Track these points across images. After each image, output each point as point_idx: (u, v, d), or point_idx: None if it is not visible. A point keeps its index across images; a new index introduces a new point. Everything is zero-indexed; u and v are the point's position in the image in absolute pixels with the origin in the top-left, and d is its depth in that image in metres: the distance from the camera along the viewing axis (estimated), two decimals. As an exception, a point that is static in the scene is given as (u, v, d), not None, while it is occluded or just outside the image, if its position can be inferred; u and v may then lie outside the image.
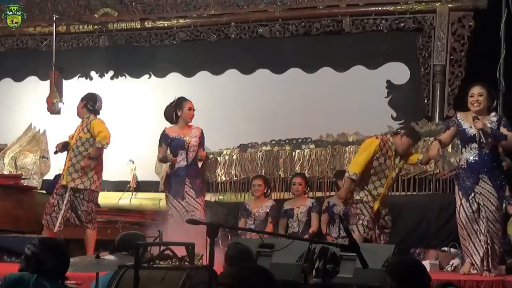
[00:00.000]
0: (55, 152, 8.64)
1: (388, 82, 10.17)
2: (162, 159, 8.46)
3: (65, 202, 8.23)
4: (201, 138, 8.24)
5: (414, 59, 9.96)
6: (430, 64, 9.79)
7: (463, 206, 7.06)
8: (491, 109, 7.20)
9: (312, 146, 9.82)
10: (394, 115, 10.10)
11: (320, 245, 3.94)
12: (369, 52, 10.24)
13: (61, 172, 8.51)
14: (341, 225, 8.58)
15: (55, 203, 8.26)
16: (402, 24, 9.97)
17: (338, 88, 10.27)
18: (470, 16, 9.68)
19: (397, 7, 9.96)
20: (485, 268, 6.98)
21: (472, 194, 7.04)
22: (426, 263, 7.23)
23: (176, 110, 8.20)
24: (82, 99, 8.52)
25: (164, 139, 8.25)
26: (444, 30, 9.70)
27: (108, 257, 4.95)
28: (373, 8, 10.05)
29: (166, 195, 8.34)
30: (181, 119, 8.20)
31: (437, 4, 9.82)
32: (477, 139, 7.02)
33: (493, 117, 7.14)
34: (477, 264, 7.03)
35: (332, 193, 9.18)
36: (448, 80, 9.66)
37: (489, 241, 6.99)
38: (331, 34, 10.30)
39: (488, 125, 7.02)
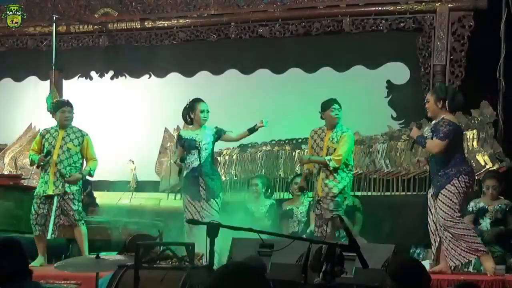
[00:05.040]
0: (38, 166, 8.44)
1: (388, 82, 10.17)
2: (176, 163, 8.41)
3: (54, 208, 8.22)
4: (218, 132, 8.22)
5: (414, 59, 9.95)
6: (430, 64, 9.78)
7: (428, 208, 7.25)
8: (450, 109, 7.14)
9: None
10: (394, 115, 10.11)
11: (326, 246, 3.93)
12: (369, 52, 10.24)
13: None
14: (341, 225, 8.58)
15: (45, 212, 8.26)
16: (402, 24, 9.96)
17: (338, 88, 10.25)
18: (470, 16, 9.67)
19: (397, 7, 9.95)
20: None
21: (429, 195, 7.22)
22: (426, 263, 7.24)
23: (189, 113, 8.21)
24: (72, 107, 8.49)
25: (179, 141, 8.33)
26: (444, 30, 9.70)
27: (118, 257, 4.96)
28: (373, 8, 10.04)
29: (182, 196, 8.40)
30: (194, 121, 8.22)
31: (437, 4, 9.81)
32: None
33: (437, 120, 7.16)
34: (434, 263, 7.22)
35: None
36: (448, 80, 9.64)
37: (449, 238, 7.02)
38: (331, 34, 10.29)
39: (426, 128, 7.19)
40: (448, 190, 7.02)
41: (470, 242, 6.99)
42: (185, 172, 8.17)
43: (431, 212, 7.17)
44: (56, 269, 5.49)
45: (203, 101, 8.24)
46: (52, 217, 8.22)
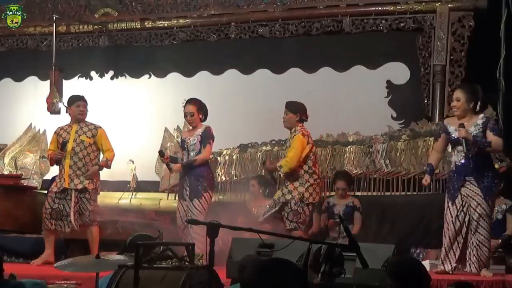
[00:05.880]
0: (57, 163, 8.50)
1: (388, 82, 10.16)
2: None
3: (72, 204, 8.24)
4: (202, 135, 8.25)
5: (414, 59, 9.95)
6: (430, 64, 9.79)
7: (449, 209, 7.11)
8: (478, 110, 7.17)
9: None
10: (394, 115, 10.10)
11: (325, 246, 3.93)
12: (369, 52, 10.23)
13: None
14: (341, 225, 8.58)
15: (61, 208, 8.28)
16: (402, 24, 9.96)
17: (338, 88, 10.26)
18: (470, 16, 9.67)
19: (397, 7, 9.95)
20: (472, 270, 7.05)
21: (459, 197, 7.08)
22: (426, 263, 7.23)
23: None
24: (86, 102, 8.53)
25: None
26: (444, 30, 9.70)
27: (117, 257, 4.96)
28: (373, 8, 10.04)
29: None
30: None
31: (437, 4, 9.81)
32: (461, 142, 7.05)
33: (479, 119, 7.12)
34: (451, 266, 7.10)
35: (332, 193, 9.19)
36: (448, 80, 9.65)
37: (475, 243, 7.00)
38: (331, 34, 10.30)
39: (472, 128, 7.03)
40: (494, 192, 7.15)
41: (488, 251, 7.08)
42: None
43: (459, 211, 7.09)
44: (56, 269, 5.49)
45: (188, 102, 8.35)
46: (72, 213, 8.23)
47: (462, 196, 7.08)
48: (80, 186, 8.25)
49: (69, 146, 8.29)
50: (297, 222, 8.02)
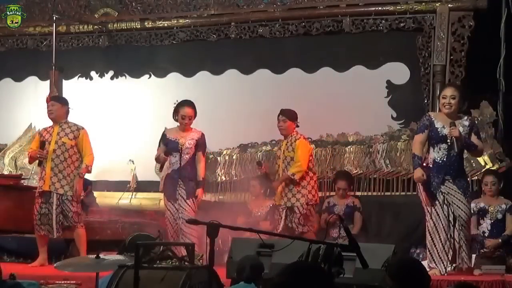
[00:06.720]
0: (39, 163, 8.47)
1: (388, 82, 10.16)
2: (156, 159, 8.57)
3: (54, 207, 8.25)
4: (199, 141, 8.31)
5: (414, 59, 9.95)
6: (430, 64, 9.79)
7: (435, 208, 7.11)
8: (462, 110, 7.27)
9: (312, 146, 9.83)
10: (394, 115, 10.10)
11: (324, 246, 3.93)
12: (369, 52, 10.23)
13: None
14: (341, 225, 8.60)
15: (46, 212, 8.28)
16: (402, 24, 9.96)
17: (338, 88, 10.26)
18: (470, 16, 9.67)
19: (397, 7, 9.95)
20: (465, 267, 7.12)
21: (441, 196, 7.09)
22: (426, 263, 7.23)
23: (174, 115, 8.40)
24: (64, 102, 8.52)
25: (163, 139, 8.48)
26: (444, 30, 9.70)
27: (117, 257, 4.96)
28: (373, 8, 10.04)
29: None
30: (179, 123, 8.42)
31: (437, 4, 9.81)
32: (448, 140, 7.06)
33: (465, 121, 7.20)
34: (445, 268, 7.10)
35: (332, 193, 9.21)
36: (448, 80, 9.64)
37: (463, 239, 7.04)
38: (331, 34, 10.29)
39: (460, 129, 7.08)
40: (470, 192, 7.34)
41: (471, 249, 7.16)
42: (165, 173, 8.40)
43: (444, 210, 7.09)
44: (56, 269, 5.49)
45: (188, 105, 8.38)
46: (54, 216, 8.24)
47: (443, 194, 7.10)
48: (61, 191, 8.25)
49: (50, 148, 8.27)
50: (308, 225, 8.34)
